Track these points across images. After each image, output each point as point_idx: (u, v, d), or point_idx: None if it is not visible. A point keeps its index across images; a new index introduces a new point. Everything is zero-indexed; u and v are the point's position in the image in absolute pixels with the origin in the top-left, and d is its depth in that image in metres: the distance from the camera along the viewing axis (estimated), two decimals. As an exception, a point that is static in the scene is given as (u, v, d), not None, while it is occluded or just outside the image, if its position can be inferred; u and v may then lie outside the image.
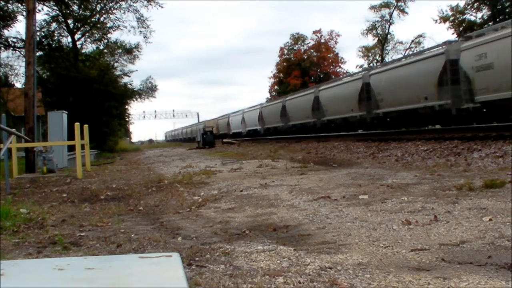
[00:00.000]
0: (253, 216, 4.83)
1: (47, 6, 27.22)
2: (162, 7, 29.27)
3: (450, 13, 39.61)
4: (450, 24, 39.93)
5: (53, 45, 28.63)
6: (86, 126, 12.85)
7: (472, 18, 38.49)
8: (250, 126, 38.88)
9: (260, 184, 7.26)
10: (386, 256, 3.07)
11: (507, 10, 35.19)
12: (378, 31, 52.02)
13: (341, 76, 42.72)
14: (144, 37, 31.74)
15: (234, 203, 5.74)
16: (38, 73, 24.79)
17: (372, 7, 50.54)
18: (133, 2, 29.60)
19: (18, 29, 41.31)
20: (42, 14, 28.17)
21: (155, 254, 1.45)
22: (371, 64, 49.85)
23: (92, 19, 30.33)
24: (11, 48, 27.51)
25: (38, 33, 25.57)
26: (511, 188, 5.12)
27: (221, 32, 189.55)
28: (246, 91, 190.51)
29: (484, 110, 13.63)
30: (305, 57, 57.17)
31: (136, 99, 38.21)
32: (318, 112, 24.46)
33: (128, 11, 30.07)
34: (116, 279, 1.22)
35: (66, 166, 14.06)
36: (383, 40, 51.71)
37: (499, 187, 5.21)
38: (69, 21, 29.57)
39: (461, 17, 39.15)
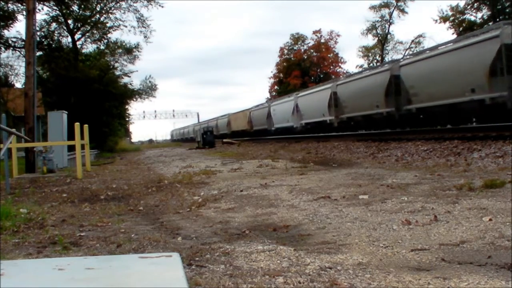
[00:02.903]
0: (253, 216, 4.83)
1: (47, 6, 27.24)
2: (162, 7, 29.31)
3: (450, 13, 39.68)
4: (450, 24, 39.98)
5: (53, 45, 28.63)
6: (86, 126, 12.85)
7: (472, 18, 38.54)
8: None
9: (260, 184, 7.25)
10: (386, 256, 3.07)
11: (507, 10, 35.20)
12: (378, 31, 52.09)
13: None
14: (145, 37, 31.77)
15: (234, 203, 5.74)
16: (38, 73, 24.80)
17: (372, 7, 50.66)
18: (133, 2, 29.64)
19: (18, 29, 41.41)
20: (42, 14, 28.23)
21: (155, 254, 1.45)
22: (371, 64, 49.86)
23: (92, 19, 30.34)
24: (11, 48, 27.52)
25: (38, 33, 25.58)
26: (511, 188, 5.12)
27: (221, 32, 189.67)
28: (246, 91, 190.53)
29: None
30: (305, 57, 57.23)
31: (136, 99, 38.22)
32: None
33: (128, 11, 30.11)
34: (116, 279, 1.22)
35: (66, 166, 14.06)
36: (383, 40, 51.74)
37: (499, 187, 5.21)
38: (69, 21, 29.60)
39: (461, 17, 39.17)
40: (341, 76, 32.23)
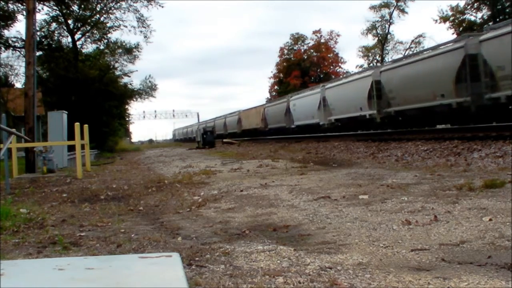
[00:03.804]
0: (253, 216, 4.83)
1: (47, 6, 27.26)
2: (162, 6, 29.29)
3: (450, 13, 39.69)
4: (450, 24, 39.99)
5: (53, 45, 28.63)
6: (86, 126, 12.86)
7: (472, 18, 38.55)
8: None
9: (260, 184, 7.25)
10: (386, 256, 3.07)
11: (507, 10, 35.20)
12: (378, 31, 52.10)
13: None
14: (145, 37, 31.74)
15: (234, 203, 5.74)
16: (38, 73, 24.79)
17: (372, 7, 50.66)
18: (133, 2, 29.63)
19: (18, 29, 41.41)
20: (42, 14, 28.22)
21: (155, 254, 1.45)
22: (371, 64, 49.87)
23: (92, 19, 30.34)
24: (11, 48, 27.53)
25: (38, 33, 25.59)
26: (511, 188, 5.12)
27: (221, 32, 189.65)
28: (246, 91, 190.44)
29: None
30: (305, 57, 57.22)
31: (136, 99, 38.23)
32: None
33: (128, 11, 30.08)
34: (116, 279, 1.22)
35: (66, 166, 14.06)
36: (383, 40, 51.75)
37: (499, 187, 5.21)
38: (69, 21, 29.60)
39: (461, 17, 39.18)
40: (385, 63, 26.85)
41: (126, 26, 30.81)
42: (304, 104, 26.37)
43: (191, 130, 66.76)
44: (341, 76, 31.94)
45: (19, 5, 24.62)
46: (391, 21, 50.69)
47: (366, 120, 19.62)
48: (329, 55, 57.35)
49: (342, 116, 21.79)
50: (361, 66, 51.53)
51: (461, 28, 37.64)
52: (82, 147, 12.41)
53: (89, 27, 30.74)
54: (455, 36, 36.08)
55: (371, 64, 50.02)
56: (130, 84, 35.73)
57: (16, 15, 25.69)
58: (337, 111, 22.39)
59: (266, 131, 33.59)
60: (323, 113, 23.73)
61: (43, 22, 28.26)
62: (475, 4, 37.81)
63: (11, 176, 10.18)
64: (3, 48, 27.28)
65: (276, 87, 60.08)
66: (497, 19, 32.18)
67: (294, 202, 5.43)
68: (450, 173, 7.09)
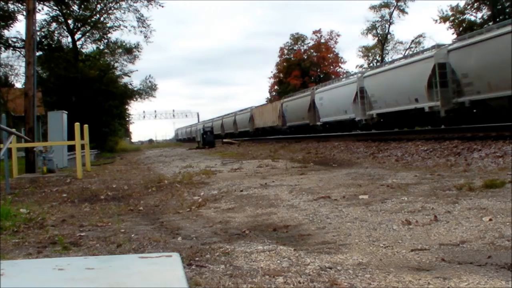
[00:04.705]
0: (253, 216, 4.83)
1: (47, 6, 27.27)
2: (162, 6, 29.32)
3: (450, 13, 39.66)
4: (450, 24, 39.97)
5: (53, 45, 28.64)
6: (86, 126, 12.86)
7: (472, 18, 38.54)
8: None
9: (260, 184, 7.25)
10: (386, 256, 3.07)
11: (507, 10, 35.19)
12: (378, 31, 52.10)
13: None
14: (145, 37, 31.81)
15: (234, 203, 5.74)
16: (38, 73, 24.80)
17: (372, 7, 50.66)
18: (133, 2, 29.66)
19: (18, 29, 41.43)
20: (42, 14, 28.23)
21: (155, 254, 1.45)
22: (371, 64, 49.86)
23: (92, 19, 30.35)
24: (11, 48, 27.53)
25: (38, 33, 25.59)
26: (511, 188, 5.12)
27: (221, 32, 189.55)
28: (246, 91, 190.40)
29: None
30: (305, 57, 57.22)
31: (136, 99, 38.24)
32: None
33: (128, 11, 30.13)
34: (116, 279, 1.22)
35: (66, 166, 14.06)
36: (383, 40, 51.76)
37: (499, 187, 5.21)
38: (69, 21, 29.61)
39: (461, 17, 39.16)
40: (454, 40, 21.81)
41: (126, 26, 30.90)
42: (334, 97, 22.44)
43: (195, 129, 63.59)
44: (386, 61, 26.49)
45: (19, 5, 24.63)
46: (391, 21, 50.74)
47: (424, 114, 16.35)
48: (329, 55, 57.35)
49: (388, 110, 18.38)
50: (361, 66, 51.58)
51: (461, 28, 37.63)
52: (82, 147, 12.41)
53: (89, 27, 30.76)
54: (455, 36, 36.09)
55: (371, 64, 49.99)
56: (130, 84, 35.79)
57: (16, 15, 25.73)
58: (381, 103, 18.88)
59: (284, 130, 29.92)
60: (360, 107, 20.01)
61: (43, 22, 28.31)
62: (475, 4, 37.79)
63: (11, 176, 10.18)
64: (3, 48, 27.32)
65: (276, 87, 60.06)
66: (497, 19, 32.17)
67: (294, 202, 5.43)
68: (450, 173, 7.09)
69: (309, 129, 25.82)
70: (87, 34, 31.40)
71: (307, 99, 26.61)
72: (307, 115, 26.35)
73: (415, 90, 16.56)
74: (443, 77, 15.54)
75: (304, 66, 55.89)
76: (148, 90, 38.96)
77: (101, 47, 33.40)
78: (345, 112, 21.57)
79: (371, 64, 49.79)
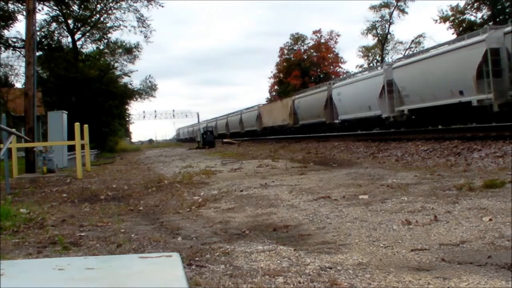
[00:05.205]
0: (253, 216, 4.83)
1: (47, 6, 27.29)
2: (162, 6, 29.35)
3: (450, 13, 39.67)
4: (450, 24, 39.98)
5: (53, 45, 28.65)
6: (86, 126, 12.86)
7: (472, 18, 38.55)
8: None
9: (260, 184, 7.25)
10: (386, 256, 3.07)
11: (507, 10, 35.19)
12: (378, 31, 52.11)
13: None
14: (145, 37, 31.83)
15: (234, 203, 5.74)
16: (38, 73, 24.80)
17: (372, 7, 50.68)
18: (133, 2, 29.68)
19: (18, 29, 41.44)
20: (42, 14, 28.27)
21: (155, 254, 1.45)
22: (371, 64, 49.85)
23: (92, 19, 30.36)
24: (11, 48, 27.54)
25: (38, 33, 25.59)
26: (511, 188, 5.12)
27: (221, 32, 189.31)
28: (246, 91, 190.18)
29: None
30: (305, 57, 57.22)
31: (136, 99, 38.26)
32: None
33: (128, 11, 30.15)
34: (116, 279, 1.22)
35: (66, 166, 14.06)
36: (383, 40, 51.77)
37: (499, 187, 5.21)
38: (69, 21, 29.62)
39: (461, 17, 39.16)
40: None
41: (126, 26, 30.93)
42: (356, 92, 20.27)
43: (198, 128, 62.53)
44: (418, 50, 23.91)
45: (19, 5, 24.64)
46: (391, 21, 50.75)
47: (471, 109, 14.17)
48: (329, 55, 57.36)
49: (423, 105, 16.16)
50: (361, 66, 51.54)
51: (461, 28, 37.63)
52: (82, 147, 12.41)
53: (89, 27, 30.76)
54: (455, 36, 36.08)
55: (371, 64, 49.93)
56: (130, 84, 35.82)
57: (16, 15, 25.74)
58: (414, 98, 16.80)
59: (296, 129, 27.70)
60: (387, 103, 17.88)
61: (43, 22, 28.34)
62: (475, 4, 37.79)
63: (11, 176, 10.18)
64: (3, 48, 27.32)
65: (276, 87, 60.07)
66: (497, 19, 32.17)
67: (294, 202, 5.43)
68: (450, 173, 7.09)
69: (325, 127, 23.72)
70: (87, 34, 31.43)
71: (323, 95, 24.27)
72: (323, 112, 24.06)
73: (460, 81, 14.13)
74: (497, 65, 13.20)
75: (304, 66, 55.89)
76: (148, 90, 39.01)
77: (101, 47, 33.45)
78: (369, 109, 19.31)
79: (371, 64, 49.81)
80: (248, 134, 36.59)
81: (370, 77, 20.05)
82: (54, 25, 29.12)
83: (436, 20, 40.76)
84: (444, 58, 15.21)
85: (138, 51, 33.88)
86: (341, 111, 22.22)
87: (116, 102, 31.37)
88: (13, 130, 6.45)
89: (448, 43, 16.80)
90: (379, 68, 20.76)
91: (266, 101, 54.98)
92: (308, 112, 26.26)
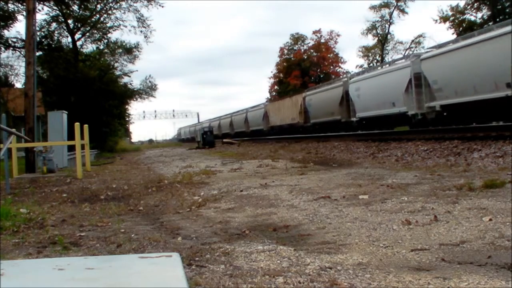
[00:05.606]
0: (253, 216, 4.83)
1: (47, 6, 27.31)
2: (162, 6, 29.35)
3: (450, 13, 39.65)
4: (450, 24, 39.96)
5: (53, 45, 28.67)
6: (86, 126, 12.86)
7: (472, 18, 38.54)
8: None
9: (260, 184, 7.25)
10: (386, 256, 3.07)
11: (507, 10, 35.18)
12: (378, 31, 52.08)
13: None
14: (145, 37, 31.81)
15: (234, 203, 5.74)
16: (38, 73, 24.81)
17: (372, 7, 50.63)
18: (133, 2, 29.68)
19: (18, 29, 41.46)
20: (42, 14, 28.31)
21: (155, 254, 1.45)
22: (371, 64, 49.82)
23: (92, 19, 30.36)
24: (11, 48, 27.55)
25: (38, 33, 25.61)
26: (511, 188, 5.12)
27: (221, 32, 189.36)
28: (246, 91, 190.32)
29: None
30: (305, 57, 57.17)
31: (136, 99, 38.27)
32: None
33: (128, 11, 30.16)
34: (116, 279, 1.22)
35: (66, 166, 14.06)
36: (383, 40, 51.75)
37: (499, 187, 5.21)
38: (69, 21, 29.62)
39: (461, 17, 39.15)
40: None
41: (126, 26, 30.96)
42: (378, 86, 18.26)
43: (201, 128, 59.88)
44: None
45: (19, 5, 24.67)
46: (391, 21, 50.71)
47: None
48: (329, 55, 57.30)
49: (460, 100, 13.92)
50: (361, 66, 51.52)
51: (460, 28, 37.63)
52: (82, 147, 12.41)
53: (89, 27, 30.77)
54: (455, 36, 36.07)
55: (371, 65, 49.88)
56: (130, 84, 35.82)
57: (16, 15, 25.76)
58: (448, 92, 14.56)
59: (307, 128, 25.48)
60: (414, 98, 15.94)
61: (43, 22, 28.36)
62: (475, 4, 37.79)
63: (11, 176, 10.17)
64: (3, 48, 27.34)
65: (276, 87, 60.05)
66: (497, 19, 32.16)
67: (294, 202, 5.43)
68: (450, 173, 7.09)
69: (341, 126, 21.76)
70: (87, 34, 31.43)
71: (338, 90, 22.17)
72: (338, 109, 21.92)
73: (509, 72, 11.71)
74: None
75: (304, 66, 55.84)
76: (148, 90, 38.99)
77: (101, 47, 33.45)
78: (392, 105, 17.28)
79: (371, 64, 49.79)
80: (253, 134, 34.72)
81: (395, 69, 17.73)
82: (54, 25, 29.19)
83: (436, 20, 40.76)
84: (488, 45, 12.69)
85: (138, 51, 33.91)
86: (359, 108, 19.99)
87: (116, 102, 31.37)
88: (13, 130, 6.45)
89: (489, 29, 14.07)
90: (403, 60, 18.53)
91: (266, 100, 54.94)
92: (320, 110, 23.90)
